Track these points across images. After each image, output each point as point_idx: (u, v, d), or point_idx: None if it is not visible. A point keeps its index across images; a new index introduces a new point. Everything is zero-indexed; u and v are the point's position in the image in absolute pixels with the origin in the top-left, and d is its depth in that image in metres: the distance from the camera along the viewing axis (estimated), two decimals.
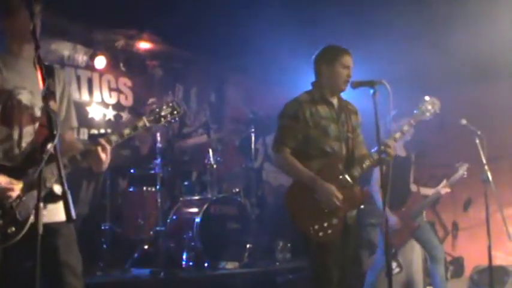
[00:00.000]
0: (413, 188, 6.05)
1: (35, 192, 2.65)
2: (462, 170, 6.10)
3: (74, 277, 2.92)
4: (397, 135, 4.13)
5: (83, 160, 2.94)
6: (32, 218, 2.77)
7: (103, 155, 2.94)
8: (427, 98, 4.29)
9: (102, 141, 2.95)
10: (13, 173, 2.82)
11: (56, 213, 2.82)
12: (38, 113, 3.00)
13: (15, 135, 2.94)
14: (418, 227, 5.84)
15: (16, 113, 2.93)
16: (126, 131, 3.05)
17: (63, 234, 2.94)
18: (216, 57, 8.37)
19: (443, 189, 6.13)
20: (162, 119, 3.22)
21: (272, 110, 5.85)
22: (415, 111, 4.27)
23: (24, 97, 2.96)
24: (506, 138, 7.98)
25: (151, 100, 6.97)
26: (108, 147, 2.96)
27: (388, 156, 3.88)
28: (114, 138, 3.02)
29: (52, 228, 2.83)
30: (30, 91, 3.00)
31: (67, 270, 2.91)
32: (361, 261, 6.55)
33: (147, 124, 3.12)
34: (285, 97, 4.15)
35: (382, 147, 3.84)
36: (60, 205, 2.50)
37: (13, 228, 2.77)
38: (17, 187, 2.78)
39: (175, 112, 3.27)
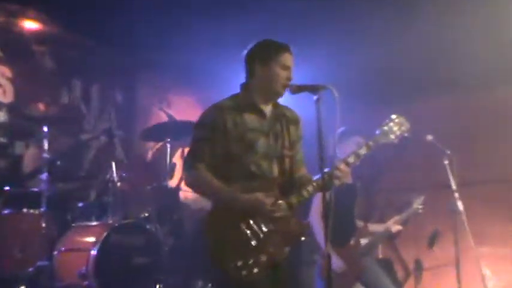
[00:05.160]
0: (359, 223, 6.23)
1: None
2: (417, 204, 6.32)
3: None
4: (351, 158, 4.12)
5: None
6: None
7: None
8: (393, 116, 4.34)
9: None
10: None
11: None
12: None
13: None
14: (364, 269, 6.01)
15: None
16: (362, 151, 4.15)
17: None
18: (125, 48, 8.37)
19: (394, 226, 6.34)
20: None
21: (194, 115, 5.88)
22: (377, 132, 4.29)
23: None
24: (482, 158, 8.24)
25: None
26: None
27: (338, 183, 3.97)
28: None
29: None
30: None
31: None
32: None
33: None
34: (210, 100, 4.18)
35: (332, 171, 3.92)
36: None
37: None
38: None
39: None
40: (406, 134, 4.37)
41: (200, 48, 7.76)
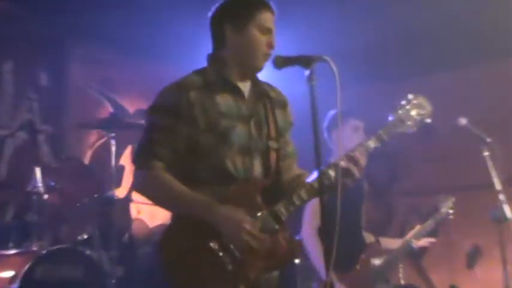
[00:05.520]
0: (368, 237, 6.21)
1: None
2: (445, 208, 6.32)
3: None
4: (371, 142, 4.11)
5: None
6: None
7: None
8: (410, 96, 4.31)
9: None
10: None
11: None
12: None
13: None
14: None
15: None
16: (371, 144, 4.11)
17: None
18: (51, 12, 8.28)
19: (418, 241, 6.32)
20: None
21: (146, 102, 5.86)
22: (389, 118, 4.27)
23: None
24: None
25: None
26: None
27: (351, 179, 3.95)
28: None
29: None
30: None
31: None
32: None
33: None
34: (170, 78, 4.15)
35: (343, 163, 3.89)
36: None
37: None
38: None
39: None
40: (427, 120, 4.33)
41: (153, 8, 7.71)
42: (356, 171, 3.92)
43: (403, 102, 4.30)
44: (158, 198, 3.99)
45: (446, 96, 7.97)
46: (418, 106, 4.29)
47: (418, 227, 6.42)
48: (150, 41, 8.60)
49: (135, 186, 4.10)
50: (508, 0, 7.31)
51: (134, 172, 4.02)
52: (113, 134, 7.60)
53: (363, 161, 3.97)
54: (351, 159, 3.92)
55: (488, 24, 7.64)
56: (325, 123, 6.30)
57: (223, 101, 3.97)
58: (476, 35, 7.92)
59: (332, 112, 6.20)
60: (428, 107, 4.30)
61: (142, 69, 9.38)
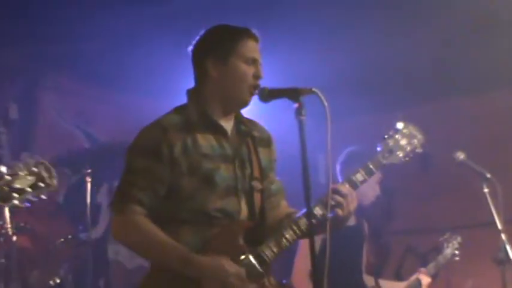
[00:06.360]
0: (368, 280, 6.18)
1: None
2: (451, 248, 6.30)
3: None
4: (359, 175, 4.14)
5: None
6: None
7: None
8: (400, 125, 4.34)
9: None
10: None
11: None
12: None
13: None
14: None
15: None
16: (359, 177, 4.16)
17: None
18: (21, 40, 8.25)
19: (425, 279, 6.30)
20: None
21: (125, 135, 5.86)
22: (378, 149, 4.30)
23: None
24: None
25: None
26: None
27: (338, 220, 3.91)
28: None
29: None
30: None
31: None
32: None
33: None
34: (149, 115, 4.14)
35: (329, 199, 3.84)
36: None
37: None
38: None
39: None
40: (419, 150, 4.36)
41: (130, 40, 7.71)
42: (345, 205, 3.90)
43: (392, 132, 4.30)
44: (134, 246, 3.95)
45: (440, 127, 7.99)
46: (409, 135, 4.32)
47: (422, 270, 6.39)
48: (126, 73, 8.55)
49: (113, 233, 4.02)
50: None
51: (112, 217, 3.99)
52: (88, 170, 7.57)
53: (351, 195, 3.95)
54: (336, 192, 3.89)
55: (481, 55, 7.70)
56: (341, 158, 6.21)
57: (206, 141, 3.94)
58: (470, 65, 7.96)
59: (351, 149, 6.13)
60: (419, 136, 4.35)
61: (118, 102, 9.34)
